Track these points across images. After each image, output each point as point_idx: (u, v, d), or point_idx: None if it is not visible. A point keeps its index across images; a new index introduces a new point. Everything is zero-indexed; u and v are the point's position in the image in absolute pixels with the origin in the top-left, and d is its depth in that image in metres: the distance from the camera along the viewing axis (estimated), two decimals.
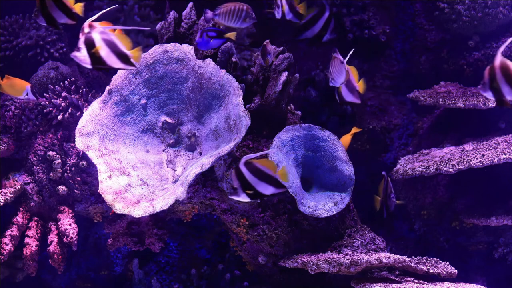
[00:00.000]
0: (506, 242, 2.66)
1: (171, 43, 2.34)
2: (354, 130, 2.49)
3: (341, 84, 2.15)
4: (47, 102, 2.56)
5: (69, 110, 2.53)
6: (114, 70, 2.36)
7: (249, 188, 1.84)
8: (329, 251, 2.25)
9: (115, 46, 1.77)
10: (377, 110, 3.00)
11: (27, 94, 2.31)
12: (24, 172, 2.58)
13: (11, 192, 2.46)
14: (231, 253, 2.68)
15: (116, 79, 2.34)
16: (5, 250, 2.41)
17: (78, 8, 1.85)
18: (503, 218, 2.48)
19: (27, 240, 2.49)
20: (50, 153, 2.50)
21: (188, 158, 2.32)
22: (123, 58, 1.78)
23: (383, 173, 2.40)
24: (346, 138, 2.44)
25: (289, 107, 2.46)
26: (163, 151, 2.35)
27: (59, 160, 2.51)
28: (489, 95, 1.77)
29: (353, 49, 2.20)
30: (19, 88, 2.29)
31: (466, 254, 2.75)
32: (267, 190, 1.86)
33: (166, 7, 2.47)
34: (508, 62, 1.71)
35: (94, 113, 2.30)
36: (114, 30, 1.96)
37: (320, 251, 2.27)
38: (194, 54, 2.31)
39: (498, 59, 1.71)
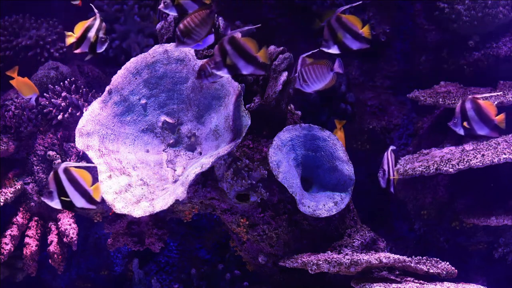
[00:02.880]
0: (506, 242, 2.66)
1: (171, 43, 2.34)
2: (339, 124, 2.45)
3: (312, 91, 2.13)
4: (47, 102, 2.56)
5: (69, 110, 2.53)
6: (114, 71, 2.37)
7: (65, 195, 1.82)
8: (329, 251, 2.25)
9: None
10: (377, 110, 3.00)
11: (30, 98, 2.34)
12: (23, 172, 2.58)
13: (11, 192, 2.46)
14: (231, 253, 2.68)
15: (116, 79, 2.35)
16: (5, 250, 2.41)
17: None
18: (503, 218, 2.48)
19: (27, 240, 2.49)
20: (50, 153, 2.51)
21: (188, 158, 2.32)
22: None
23: (392, 147, 2.28)
24: (340, 135, 2.43)
25: (289, 107, 2.46)
26: (163, 151, 2.35)
27: (59, 160, 2.51)
28: (224, 72, 1.84)
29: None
30: (29, 90, 2.32)
31: (466, 254, 2.75)
32: (79, 202, 1.84)
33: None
34: (237, 38, 1.79)
35: (94, 113, 2.30)
36: None
37: (320, 251, 2.27)
38: (194, 54, 2.31)
39: (227, 37, 1.80)
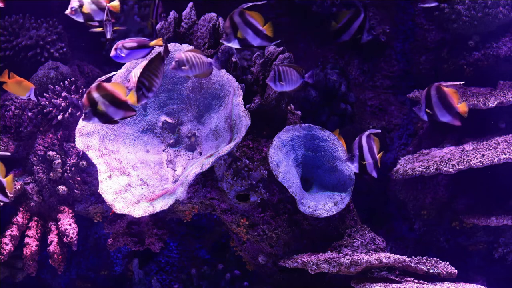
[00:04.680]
0: (506, 242, 2.66)
1: (171, 43, 2.34)
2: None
3: (282, 90, 2.13)
4: (47, 102, 2.56)
5: (69, 110, 2.53)
6: (114, 71, 2.37)
7: None
8: (329, 251, 2.25)
9: None
10: (377, 110, 3.00)
11: (29, 95, 2.32)
12: (23, 172, 2.58)
13: (11, 192, 2.46)
14: (231, 253, 2.68)
15: (116, 79, 2.34)
16: (5, 250, 2.41)
17: None
18: (503, 218, 2.48)
19: (27, 240, 2.49)
20: (50, 153, 2.50)
21: (188, 158, 2.32)
22: None
23: (369, 131, 2.14)
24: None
25: (289, 107, 2.46)
26: (163, 151, 2.35)
27: (59, 160, 2.51)
28: (95, 121, 1.87)
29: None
30: (24, 89, 2.30)
31: (466, 254, 2.75)
32: None
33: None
34: (104, 84, 1.86)
35: None
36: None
37: (320, 251, 2.27)
38: None
39: (95, 85, 1.86)
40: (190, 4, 2.46)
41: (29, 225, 2.53)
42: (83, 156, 2.50)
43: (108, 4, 2.15)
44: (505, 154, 2.33)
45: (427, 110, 2.00)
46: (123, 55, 2.07)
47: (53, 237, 2.48)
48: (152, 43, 2.09)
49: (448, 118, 2.00)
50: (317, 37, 2.99)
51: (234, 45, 2.00)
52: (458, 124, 2.01)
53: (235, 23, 1.97)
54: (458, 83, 2.08)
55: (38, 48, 2.81)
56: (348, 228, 2.37)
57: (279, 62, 2.25)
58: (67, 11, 2.13)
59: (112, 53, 2.08)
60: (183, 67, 1.99)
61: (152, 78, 1.87)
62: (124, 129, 2.33)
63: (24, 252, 2.47)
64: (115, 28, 2.30)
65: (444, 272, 2.09)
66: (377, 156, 2.08)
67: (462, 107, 1.98)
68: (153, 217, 2.45)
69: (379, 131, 2.12)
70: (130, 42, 2.07)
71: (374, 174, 2.08)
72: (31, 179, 2.56)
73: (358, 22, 2.28)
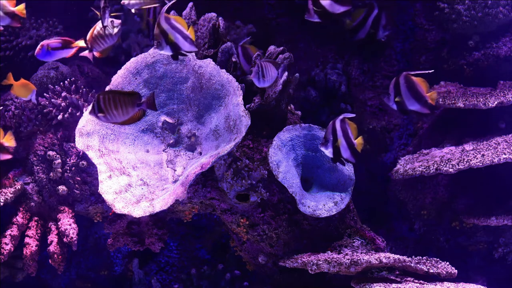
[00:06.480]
0: (506, 242, 2.66)
1: None
2: None
3: (264, 86, 2.13)
4: (47, 102, 2.56)
5: (69, 110, 2.53)
6: (114, 71, 2.37)
7: None
8: (329, 251, 2.25)
9: None
10: (377, 110, 3.00)
11: (31, 97, 2.34)
12: (23, 172, 2.58)
13: (11, 192, 2.46)
14: (231, 253, 2.68)
15: (116, 79, 2.35)
16: (5, 250, 2.41)
17: None
18: (503, 218, 2.48)
19: (27, 240, 2.49)
20: (50, 153, 2.50)
21: (188, 158, 2.32)
22: None
23: (344, 115, 2.08)
24: None
25: (289, 107, 2.46)
26: (163, 151, 2.35)
27: (59, 160, 2.51)
28: None
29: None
30: (27, 90, 2.32)
31: (466, 254, 2.75)
32: None
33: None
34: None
35: None
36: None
37: (320, 251, 2.27)
38: (194, 54, 2.31)
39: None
40: (190, 4, 2.46)
41: (29, 225, 2.53)
42: (83, 156, 2.50)
43: (15, 9, 2.13)
44: (505, 154, 2.33)
45: (396, 99, 2.00)
46: (46, 55, 2.15)
47: (53, 237, 2.48)
48: (76, 43, 2.16)
49: (417, 106, 2.01)
50: (317, 37, 2.99)
51: (167, 51, 1.98)
52: (427, 112, 2.01)
53: (164, 30, 1.95)
54: (427, 71, 2.07)
55: None
56: (348, 228, 2.37)
57: (279, 62, 2.25)
58: None
59: (37, 51, 2.13)
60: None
61: (111, 106, 1.87)
62: (124, 129, 2.33)
63: (24, 252, 2.47)
64: (112, 14, 2.30)
65: (444, 272, 2.09)
66: (354, 140, 2.06)
67: (431, 95, 1.99)
68: (153, 217, 2.45)
69: (354, 115, 2.10)
70: (55, 42, 2.14)
71: (352, 159, 2.07)
72: (31, 179, 2.56)
73: (372, 19, 2.28)
